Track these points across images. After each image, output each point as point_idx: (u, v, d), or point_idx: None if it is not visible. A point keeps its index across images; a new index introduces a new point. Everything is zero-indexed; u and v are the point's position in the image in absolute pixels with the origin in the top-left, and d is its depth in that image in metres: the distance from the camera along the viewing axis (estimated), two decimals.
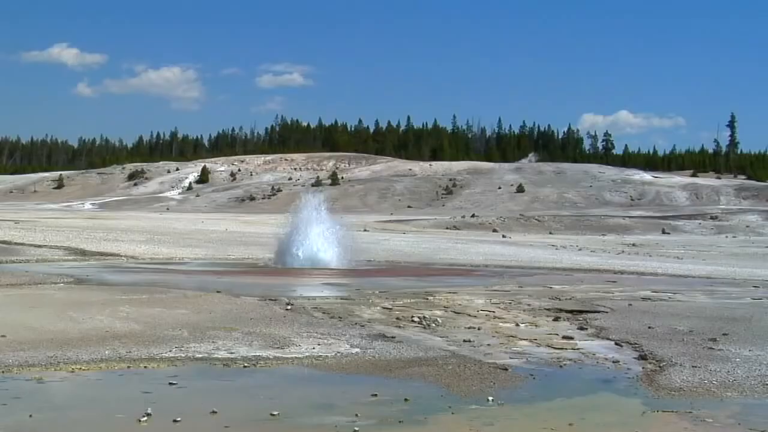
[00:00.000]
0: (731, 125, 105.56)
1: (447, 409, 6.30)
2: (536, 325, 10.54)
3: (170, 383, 6.84)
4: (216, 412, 5.97)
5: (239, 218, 50.43)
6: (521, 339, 9.45)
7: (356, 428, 5.68)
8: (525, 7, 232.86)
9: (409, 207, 79.93)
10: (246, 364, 7.63)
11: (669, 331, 10.08)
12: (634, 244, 35.85)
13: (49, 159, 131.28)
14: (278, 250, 19.51)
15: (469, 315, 11.21)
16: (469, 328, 10.04)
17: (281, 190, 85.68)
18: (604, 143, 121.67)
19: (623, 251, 30.18)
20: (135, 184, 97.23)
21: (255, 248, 24.12)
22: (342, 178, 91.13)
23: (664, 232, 49.11)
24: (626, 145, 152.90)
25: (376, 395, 6.62)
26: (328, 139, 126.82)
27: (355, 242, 20.74)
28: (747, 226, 53.02)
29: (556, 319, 11.06)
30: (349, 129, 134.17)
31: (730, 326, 10.46)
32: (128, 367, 7.39)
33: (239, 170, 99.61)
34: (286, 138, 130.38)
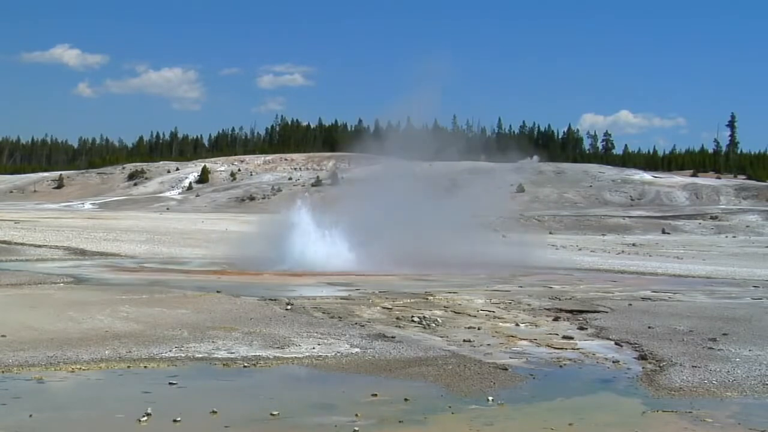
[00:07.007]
0: (731, 125, 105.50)
1: (447, 409, 6.30)
2: (536, 325, 10.55)
3: (170, 383, 6.85)
4: (216, 412, 5.98)
5: (239, 218, 50.38)
6: (521, 339, 9.46)
7: (356, 428, 5.68)
8: (525, 7, 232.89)
9: None
10: (246, 364, 7.64)
11: (669, 331, 10.08)
12: (634, 244, 35.86)
13: (49, 159, 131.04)
14: None
15: (469, 315, 11.22)
16: (469, 328, 10.05)
17: (281, 190, 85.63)
18: (604, 143, 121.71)
19: (623, 251, 30.19)
20: (135, 184, 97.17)
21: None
22: (342, 178, 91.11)
23: (664, 232, 49.08)
24: (626, 145, 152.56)
25: (376, 395, 6.62)
26: (328, 139, 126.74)
27: None
28: (747, 226, 52.99)
29: (556, 319, 11.07)
30: (349, 129, 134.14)
31: (730, 326, 10.47)
32: (128, 367, 7.40)
33: (239, 170, 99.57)
34: (286, 138, 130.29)
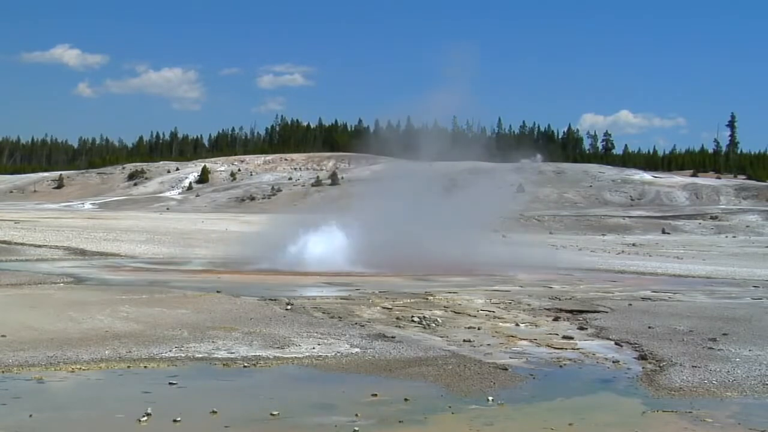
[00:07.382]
0: (731, 125, 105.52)
1: (447, 409, 6.30)
2: (536, 325, 10.54)
3: (170, 383, 6.84)
4: (216, 412, 5.98)
5: (239, 218, 50.40)
6: (521, 339, 9.46)
7: (356, 428, 5.68)
8: (525, 8, 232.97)
9: None
10: (246, 364, 7.64)
11: (669, 331, 10.08)
12: (634, 244, 35.86)
13: (49, 159, 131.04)
14: None
15: (469, 315, 11.22)
16: (469, 328, 10.05)
17: (281, 190, 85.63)
18: (604, 143, 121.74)
19: (623, 251, 30.19)
20: (135, 184, 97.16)
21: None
22: (342, 178, 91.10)
23: (664, 232, 49.10)
24: (626, 145, 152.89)
25: (376, 395, 6.62)
26: (328, 139, 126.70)
27: None
28: (747, 226, 52.99)
29: (556, 319, 11.07)
30: (349, 129, 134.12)
31: (730, 326, 10.47)
32: (128, 367, 7.40)
33: (239, 170, 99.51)
34: (286, 138, 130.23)
